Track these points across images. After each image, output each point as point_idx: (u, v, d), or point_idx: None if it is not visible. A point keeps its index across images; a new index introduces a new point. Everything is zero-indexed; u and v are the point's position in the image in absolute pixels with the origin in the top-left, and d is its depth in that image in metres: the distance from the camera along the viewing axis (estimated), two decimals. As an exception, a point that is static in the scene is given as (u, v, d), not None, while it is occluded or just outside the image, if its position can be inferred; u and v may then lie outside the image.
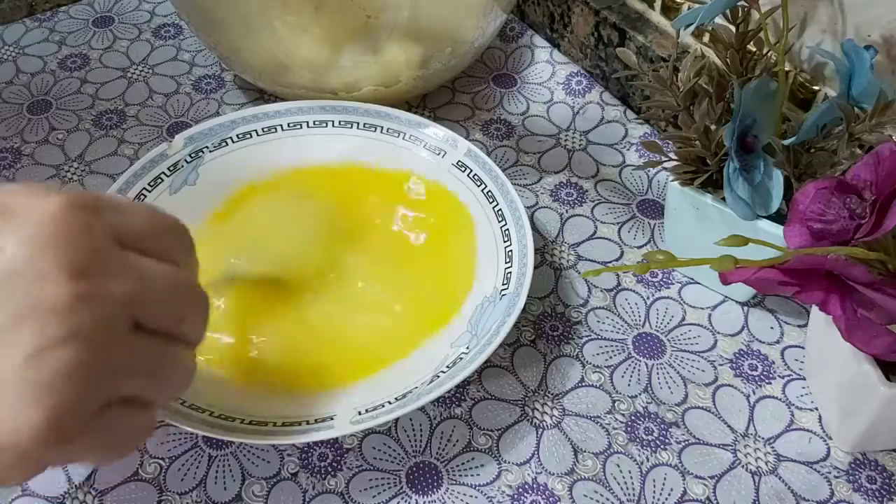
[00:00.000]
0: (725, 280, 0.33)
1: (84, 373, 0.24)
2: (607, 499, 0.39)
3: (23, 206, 0.25)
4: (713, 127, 0.42)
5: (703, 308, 0.47)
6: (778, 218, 0.41)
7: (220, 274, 0.44)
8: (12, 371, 0.23)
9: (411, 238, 0.48)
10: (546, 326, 0.46)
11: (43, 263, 0.24)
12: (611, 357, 0.44)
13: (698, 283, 0.48)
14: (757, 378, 0.43)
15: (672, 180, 0.44)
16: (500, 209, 0.47)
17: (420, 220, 0.49)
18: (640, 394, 0.43)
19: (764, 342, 0.45)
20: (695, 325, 0.46)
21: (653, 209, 0.52)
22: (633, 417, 0.42)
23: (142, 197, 0.47)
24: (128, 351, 0.26)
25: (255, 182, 0.50)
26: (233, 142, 0.50)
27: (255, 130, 0.51)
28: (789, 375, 0.44)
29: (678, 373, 0.44)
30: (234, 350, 0.42)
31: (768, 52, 0.42)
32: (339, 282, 0.45)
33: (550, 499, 0.39)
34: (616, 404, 0.42)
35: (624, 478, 0.39)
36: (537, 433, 0.41)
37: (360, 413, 0.38)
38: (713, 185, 0.43)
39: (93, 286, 0.24)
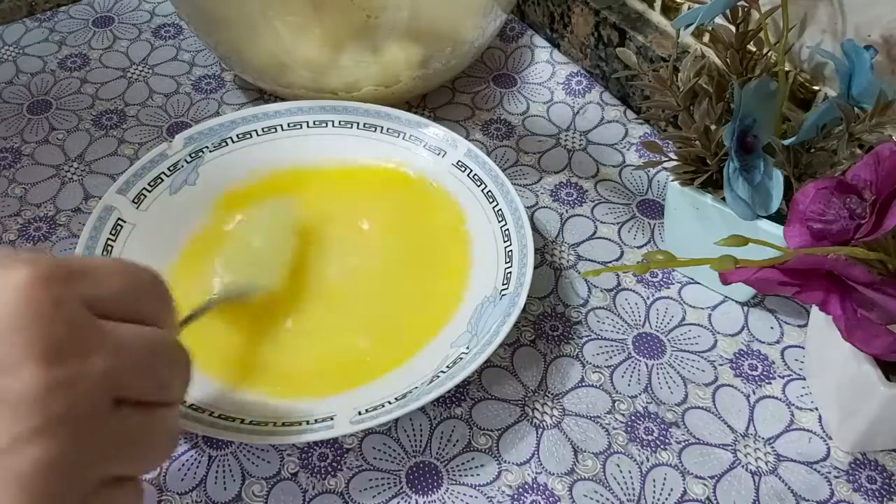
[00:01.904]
0: (725, 280, 0.33)
1: (62, 465, 0.22)
2: (607, 499, 0.39)
3: None
4: (713, 127, 0.42)
5: (703, 308, 0.47)
6: (778, 218, 0.41)
7: (217, 282, 0.44)
8: None
9: (403, 239, 0.48)
10: (546, 326, 0.46)
11: (11, 350, 0.22)
12: (611, 357, 0.44)
13: (698, 283, 0.48)
14: (757, 378, 0.43)
15: (672, 180, 0.44)
16: (500, 209, 0.47)
17: (411, 219, 0.49)
18: (640, 394, 0.43)
19: (764, 342, 0.45)
20: (695, 325, 0.46)
21: (653, 209, 0.52)
22: (633, 417, 0.42)
23: (142, 197, 0.47)
24: (109, 431, 0.24)
25: (251, 185, 0.50)
26: (233, 142, 0.50)
27: (255, 130, 0.51)
28: (789, 375, 0.44)
29: (678, 373, 0.44)
30: (232, 357, 0.42)
31: (768, 52, 0.42)
32: (334, 287, 0.45)
33: (550, 499, 0.39)
34: (616, 404, 0.42)
35: (624, 478, 0.39)
36: (537, 433, 0.41)
37: (360, 413, 0.38)
38: (713, 185, 0.43)
39: (66, 371, 0.22)
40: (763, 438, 0.41)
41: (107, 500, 0.24)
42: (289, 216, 0.48)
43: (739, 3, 0.41)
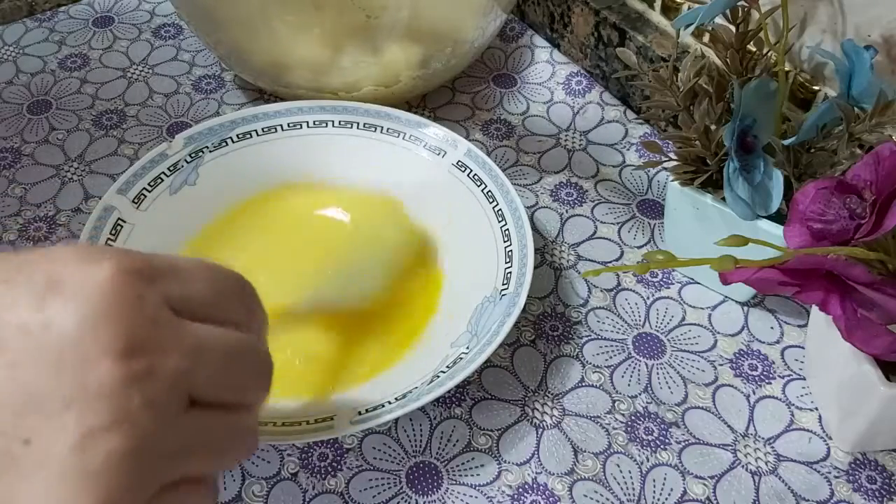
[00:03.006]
0: (725, 280, 0.33)
1: (135, 459, 0.22)
2: (607, 499, 0.39)
3: (70, 276, 0.23)
4: (713, 127, 0.42)
5: (703, 308, 0.47)
6: (778, 218, 0.41)
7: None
8: (59, 460, 0.21)
9: (395, 241, 0.48)
10: (546, 326, 0.46)
11: (91, 342, 0.22)
12: (611, 357, 0.44)
13: (698, 283, 0.48)
14: (757, 378, 0.43)
15: (672, 180, 0.44)
16: (500, 209, 0.47)
17: (400, 222, 0.49)
18: (640, 394, 0.43)
19: (764, 342, 0.45)
20: (695, 325, 0.46)
21: (653, 209, 0.52)
22: (633, 417, 0.42)
23: (142, 197, 0.47)
24: (183, 431, 0.24)
25: (251, 185, 0.50)
26: (233, 142, 0.50)
27: (255, 130, 0.51)
28: (789, 375, 0.44)
29: (678, 373, 0.44)
30: None
31: (768, 52, 0.42)
32: (334, 287, 0.46)
33: (550, 499, 0.39)
34: (616, 404, 0.42)
35: (624, 478, 0.39)
36: (537, 433, 0.41)
37: (360, 413, 0.38)
38: (713, 185, 0.43)
39: (142, 366, 0.23)
40: (763, 438, 0.41)
41: (181, 497, 0.24)
42: (283, 222, 0.48)
43: (739, 3, 0.41)
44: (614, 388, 0.43)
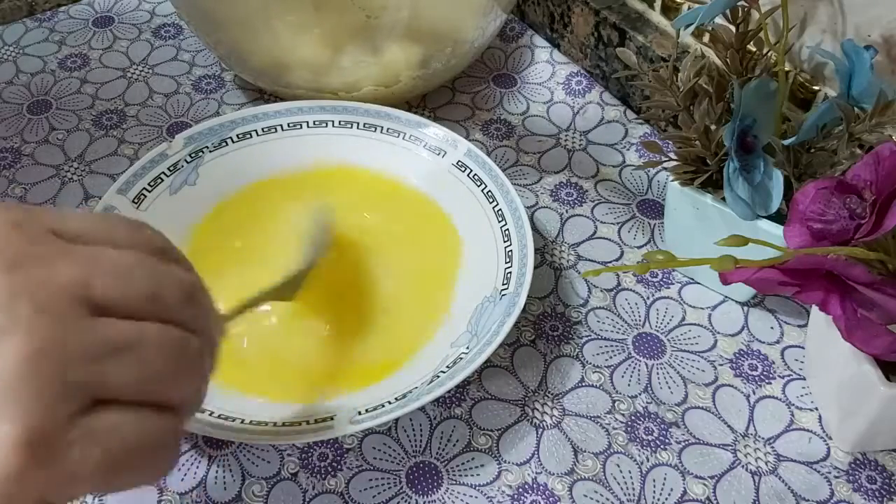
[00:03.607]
0: (725, 280, 0.33)
1: (38, 362, 0.22)
2: (607, 499, 0.39)
3: None
4: (713, 127, 0.42)
5: (703, 308, 0.47)
6: (778, 218, 0.41)
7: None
8: None
9: (399, 240, 0.48)
10: (546, 326, 0.46)
11: None
12: (611, 357, 0.44)
13: (698, 283, 0.48)
14: (757, 378, 0.43)
15: (672, 180, 0.44)
16: (500, 209, 0.47)
17: (405, 220, 0.49)
18: (640, 394, 0.43)
19: (764, 342, 0.45)
20: (695, 325, 0.46)
21: (653, 209, 0.52)
22: (633, 417, 0.42)
23: (142, 197, 0.47)
24: (88, 335, 0.23)
25: (251, 185, 0.50)
26: (233, 142, 0.50)
27: (255, 130, 0.51)
28: (789, 375, 0.44)
29: (678, 373, 0.44)
30: (232, 358, 0.42)
31: (768, 52, 0.42)
32: (334, 288, 0.45)
33: (550, 499, 0.39)
34: (616, 404, 0.42)
35: (624, 478, 0.39)
36: (537, 433, 0.41)
37: (360, 413, 0.38)
38: (713, 185, 0.43)
39: (28, 276, 0.23)
40: (763, 438, 0.41)
41: (121, 421, 0.23)
42: (283, 219, 0.48)
43: (739, 3, 0.41)
44: (614, 388, 0.43)
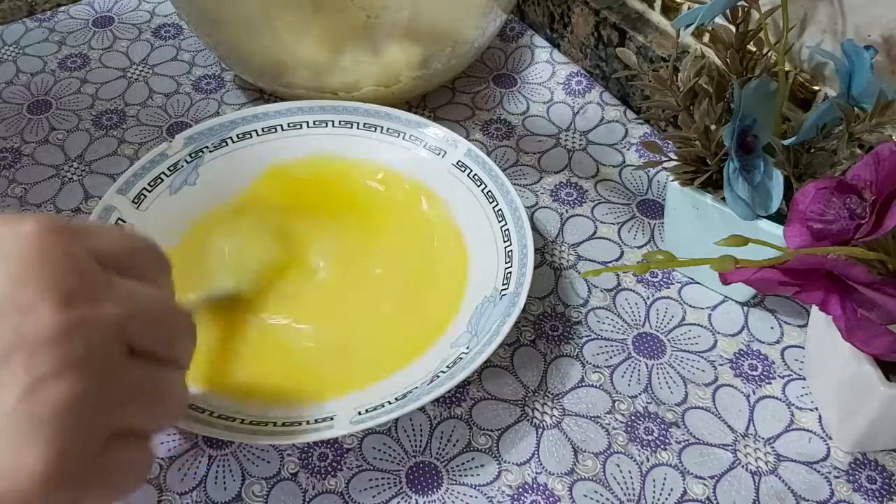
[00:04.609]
0: (725, 280, 0.33)
1: (84, 404, 0.22)
2: (607, 499, 0.39)
3: None
4: (713, 127, 0.42)
5: (703, 308, 0.47)
6: (778, 218, 0.41)
7: (214, 286, 0.44)
8: (9, 410, 0.22)
9: (401, 242, 0.48)
10: (546, 326, 0.46)
11: (27, 293, 0.23)
12: (611, 357, 0.44)
13: (698, 283, 0.48)
14: (757, 378, 0.43)
15: (672, 180, 0.44)
16: (500, 209, 0.47)
17: (409, 222, 0.49)
18: (640, 394, 0.43)
19: (764, 342, 0.45)
20: (695, 325, 0.46)
21: (653, 209, 0.52)
22: (633, 417, 0.42)
23: (142, 197, 0.47)
24: (125, 377, 0.24)
25: (248, 188, 0.50)
26: (233, 142, 0.50)
27: (255, 130, 0.51)
28: (789, 375, 0.44)
29: (678, 373, 0.44)
30: (233, 358, 0.42)
31: (768, 52, 0.42)
32: (333, 288, 0.45)
33: (550, 499, 0.39)
34: (616, 404, 0.42)
35: (624, 478, 0.39)
36: (537, 433, 0.41)
37: (360, 413, 0.38)
38: (713, 185, 0.43)
39: (83, 312, 0.23)
40: (763, 438, 0.41)
41: (124, 449, 0.25)
42: (283, 220, 0.48)
43: (739, 3, 0.41)
44: (614, 388, 0.43)
